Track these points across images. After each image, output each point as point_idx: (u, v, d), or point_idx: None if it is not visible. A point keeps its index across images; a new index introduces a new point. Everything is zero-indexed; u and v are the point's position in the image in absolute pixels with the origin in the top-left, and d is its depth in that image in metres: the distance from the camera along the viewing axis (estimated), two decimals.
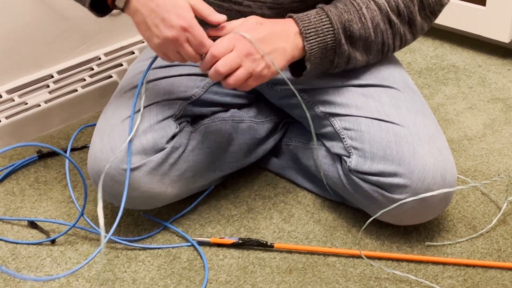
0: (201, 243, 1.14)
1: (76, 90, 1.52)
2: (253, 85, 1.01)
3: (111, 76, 1.57)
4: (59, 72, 1.54)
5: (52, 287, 1.08)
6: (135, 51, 1.63)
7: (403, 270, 1.07)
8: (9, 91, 1.49)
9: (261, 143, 1.26)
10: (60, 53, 1.55)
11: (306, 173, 1.25)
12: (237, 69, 0.98)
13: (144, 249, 1.15)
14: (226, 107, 1.23)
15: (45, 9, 1.48)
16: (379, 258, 1.10)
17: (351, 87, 1.12)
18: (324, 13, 1.02)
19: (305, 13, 1.03)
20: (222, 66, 0.97)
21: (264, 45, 0.98)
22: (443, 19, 1.73)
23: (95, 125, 1.42)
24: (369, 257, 1.10)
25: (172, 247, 1.15)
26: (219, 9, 1.14)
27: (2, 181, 1.33)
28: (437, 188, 1.03)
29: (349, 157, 1.08)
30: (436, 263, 1.08)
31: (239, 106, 1.26)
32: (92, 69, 1.57)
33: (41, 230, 1.19)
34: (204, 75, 1.19)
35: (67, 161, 1.27)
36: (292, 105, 1.22)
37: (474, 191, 1.23)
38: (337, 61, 1.05)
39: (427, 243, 1.12)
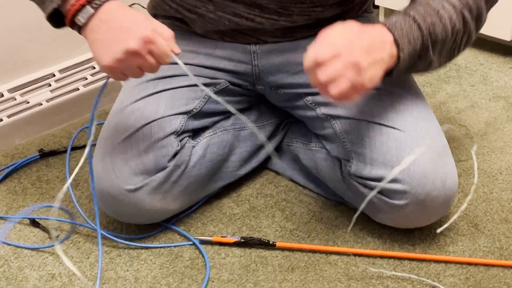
0: (203, 242, 1.15)
1: (78, 89, 1.52)
2: (354, 97, 0.92)
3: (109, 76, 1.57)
4: (61, 71, 1.55)
5: (54, 285, 1.08)
6: None
7: (405, 269, 1.07)
8: (11, 90, 1.49)
9: (262, 147, 1.25)
10: (61, 52, 1.55)
11: (307, 173, 1.25)
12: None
13: (146, 248, 1.15)
14: (228, 114, 1.22)
15: None
16: (381, 257, 1.10)
17: None
18: (412, 20, 0.96)
19: (393, 20, 0.96)
20: (323, 74, 0.88)
21: (367, 55, 0.89)
22: None
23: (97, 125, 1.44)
24: (371, 256, 1.10)
25: (174, 246, 1.15)
26: (230, 23, 1.13)
27: (4, 179, 1.33)
28: (437, 193, 1.02)
29: (349, 161, 1.08)
30: (438, 262, 1.08)
31: (240, 111, 1.23)
32: (94, 67, 1.57)
33: (43, 228, 1.20)
34: (206, 84, 1.17)
35: (67, 160, 1.26)
36: (294, 107, 1.21)
37: (477, 190, 1.23)
38: (418, 66, 1.00)
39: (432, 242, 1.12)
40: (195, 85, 1.15)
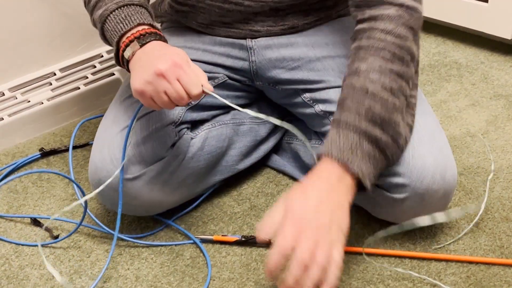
0: (204, 241, 1.15)
1: (79, 88, 1.52)
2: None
3: (113, 74, 1.57)
4: (62, 70, 1.55)
5: (56, 284, 1.08)
6: None
7: (406, 267, 1.07)
8: (12, 89, 1.49)
9: (262, 143, 1.26)
10: (62, 51, 1.55)
11: (308, 171, 1.25)
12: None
13: (147, 246, 1.15)
14: (227, 109, 1.23)
15: (47, 7, 1.48)
16: (382, 255, 1.10)
17: None
18: (344, 129, 0.93)
19: (325, 142, 0.93)
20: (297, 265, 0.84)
21: (330, 225, 0.87)
22: (446, 15, 1.73)
23: (95, 118, 1.44)
24: (371, 254, 1.10)
25: (175, 245, 1.15)
26: (220, 10, 1.14)
27: (5, 178, 1.33)
28: (437, 187, 1.02)
29: None
30: (439, 260, 1.08)
31: (240, 107, 1.24)
32: (95, 66, 1.57)
33: (44, 228, 1.20)
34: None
35: (70, 159, 1.27)
36: (293, 104, 1.22)
37: (477, 188, 1.23)
38: (390, 152, 0.97)
39: (433, 246, 1.12)
40: None
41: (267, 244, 1.12)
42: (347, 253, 1.11)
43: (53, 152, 1.40)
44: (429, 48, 1.75)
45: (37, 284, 1.08)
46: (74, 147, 1.40)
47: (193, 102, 1.14)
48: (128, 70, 1.02)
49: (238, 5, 1.13)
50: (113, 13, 1.03)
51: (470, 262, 1.08)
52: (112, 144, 1.09)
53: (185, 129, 1.14)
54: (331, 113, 1.13)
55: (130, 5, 1.04)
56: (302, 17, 1.18)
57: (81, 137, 1.44)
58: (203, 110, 1.19)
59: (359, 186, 0.94)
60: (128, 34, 1.00)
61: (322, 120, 1.15)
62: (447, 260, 1.08)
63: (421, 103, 1.11)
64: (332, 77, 1.14)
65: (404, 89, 0.98)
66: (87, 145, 1.41)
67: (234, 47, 1.19)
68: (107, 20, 1.04)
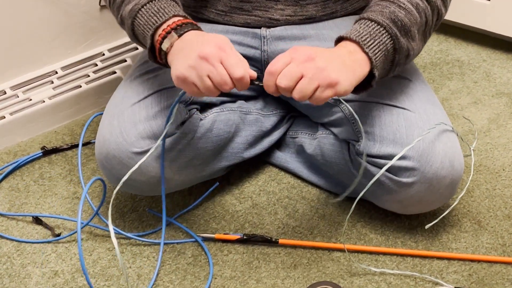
0: (206, 239, 1.15)
1: (80, 86, 1.52)
2: (325, 96, 0.93)
3: (115, 72, 1.57)
4: (63, 68, 1.54)
5: (57, 283, 1.08)
6: (139, 47, 1.63)
7: (407, 266, 1.07)
8: (14, 87, 1.49)
9: (267, 135, 1.26)
10: (64, 49, 1.55)
11: (310, 165, 1.25)
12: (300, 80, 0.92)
13: (149, 244, 1.15)
14: (234, 97, 1.24)
15: (49, 5, 1.48)
16: (384, 254, 1.10)
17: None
18: (366, 20, 0.98)
19: (349, 30, 0.98)
20: (281, 79, 0.92)
21: (324, 57, 0.93)
22: (448, 13, 1.73)
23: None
24: (373, 253, 1.10)
25: (177, 243, 1.15)
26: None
27: (6, 177, 1.33)
28: (445, 173, 1.03)
29: (358, 141, 1.08)
30: (441, 258, 1.08)
31: (246, 98, 1.26)
32: (96, 65, 1.57)
33: (45, 226, 1.20)
34: None
35: (79, 157, 1.26)
36: None
37: (479, 186, 1.23)
38: (398, 58, 1.01)
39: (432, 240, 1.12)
40: None
41: (270, 242, 1.12)
42: (348, 251, 1.11)
43: (55, 150, 1.40)
44: (431, 46, 1.74)
45: (38, 283, 1.08)
46: (74, 146, 1.40)
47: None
48: (166, 65, 1.01)
49: None
50: (145, 6, 1.02)
51: (472, 260, 1.07)
52: (122, 117, 1.09)
53: (195, 110, 1.15)
54: (341, 100, 1.13)
55: None
56: (320, 8, 1.19)
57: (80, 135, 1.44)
58: None
59: (365, 83, 0.98)
60: (164, 26, 0.99)
61: (331, 109, 1.16)
62: (449, 258, 1.08)
63: (431, 95, 1.13)
64: None
65: (428, 14, 1.03)
66: (88, 144, 1.41)
67: (247, 35, 1.20)
68: (138, 15, 1.03)
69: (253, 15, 1.20)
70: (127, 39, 1.64)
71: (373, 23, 0.98)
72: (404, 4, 1.00)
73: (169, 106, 1.10)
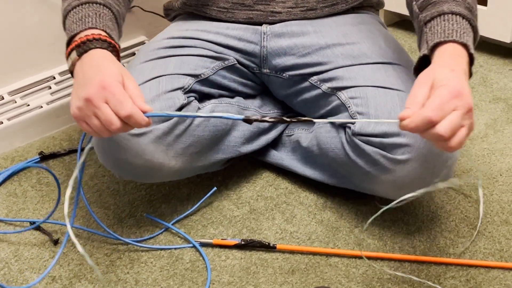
0: (204, 244, 1.15)
1: None
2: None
3: None
4: (61, 74, 1.55)
5: None
6: (136, 52, 1.63)
7: (405, 271, 1.07)
8: (11, 93, 1.49)
9: (264, 133, 1.27)
10: (61, 55, 1.53)
11: (306, 160, 1.25)
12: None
13: (147, 250, 1.15)
14: (232, 93, 1.25)
15: (46, 10, 1.48)
16: (382, 259, 1.10)
17: (359, 65, 1.15)
18: (447, 16, 0.95)
19: (435, 31, 0.94)
20: (445, 130, 0.82)
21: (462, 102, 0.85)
22: None
23: None
24: (371, 258, 1.10)
25: (175, 248, 1.15)
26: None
27: (4, 182, 1.33)
28: (440, 150, 1.01)
29: (353, 123, 1.09)
30: (439, 264, 1.08)
31: (245, 96, 1.28)
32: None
33: (43, 231, 1.20)
34: (215, 57, 1.21)
35: (78, 162, 1.26)
36: (298, 91, 1.24)
37: (476, 191, 1.23)
38: (476, 34, 1.00)
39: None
40: (206, 56, 1.20)
41: (267, 247, 1.12)
42: (347, 256, 1.11)
43: (53, 155, 1.40)
44: None
45: (35, 287, 1.08)
46: (72, 151, 1.40)
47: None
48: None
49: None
50: (74, 10, 1.00)
51: (470, 266, 1.08)
52: None
53: (193, 98, 1.15)
54: (338, 88, 1.14)
55: (92, 3, 1.01)
56: (321, 1, 1.21)
57: (76, 141, 1.44)
58: (211, 86, 1.21)
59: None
60: (76, 38, 0.96)
61: (328, 99, 1.17)
62: (446, 264, 1.08)
63: None
64: (341, 59, 1.17)
65: None
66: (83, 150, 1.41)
67: (247, 31, 1.22)
68: (68, 17, 1.01)
69: (255, 9, 1.21)
70: (124, 44, 1.64)
71: (461, 19, 0.95)
72: None
73: (167, 91, 1.11)
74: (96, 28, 0.97)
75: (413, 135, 1.02)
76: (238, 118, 0.82)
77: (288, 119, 0.85)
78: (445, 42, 0.93)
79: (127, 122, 0.87)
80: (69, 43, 0.98)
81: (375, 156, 1.06)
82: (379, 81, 1.11)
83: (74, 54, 0.95)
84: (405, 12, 1.88)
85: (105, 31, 0.97)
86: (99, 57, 0.93)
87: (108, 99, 0.87)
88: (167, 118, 1.09)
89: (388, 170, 1.06)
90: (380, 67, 1.14)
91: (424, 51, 0.94)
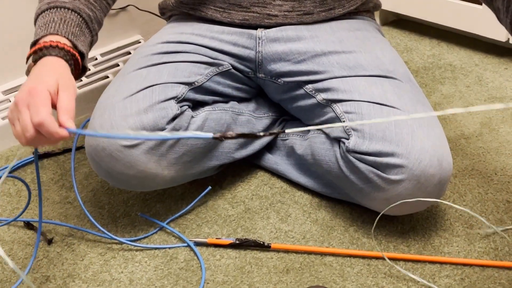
0: (198, 244, 1.14)
1: None
2: None
3: (107, 77, 1.57)
4: None
5: (50, 287, 1.08)
6: (131, 51, 1.63)
7: (400, 270, 1.07)
8: (6, 92, 1.49)
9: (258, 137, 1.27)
10: None
11: (300, 167, 1.25)
12: None
13: (141, 249, 1.14)
14: (227, 98, 1.25)
15: None
16: (376, 258, 1.10)
17: (355, 77, 1.14)
18: None
19: None
20: None
21: None
22: (440, 18, 1.74)
23: None
24: (366, 257, 1.10)
25: (169, 248, 1.14)
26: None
27: None
28: (433, 171, 1.03)
29: (348, 138, 1.09)
30: (433, 262, 1.08)
31: (239, 100, 1.27)
32: (89, 69, 1.57)
33: (37, 231, 1.19)
34: (209, 63, 1.20)
35: (72, 163, 1.26)
36: (293, 98, 1.23)
37: (472, 190, 1.23)
38: None
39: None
40: (200, 62, 1.19)
41: (262, 246, 1.12)
42: (342, 255, 1.11)
43: (47, 155, 1.40)
44: (424, 50, 1.75)
45: None
46: (66, 150, 1.40)
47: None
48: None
49: None
50: (42, 14, 1.01)
51: (465, 264, 1.07)
52: (113, 110, 1.09)
53: (187, 107, 1.15)
54: (333, 100, 1.14)
55: (60, 8, 1.01)
56: (319, 4, 1.21)
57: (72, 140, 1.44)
58: (205, 93, 1.20)
59: None
60: (37, 44, 0.96)
61: (323, 109, 1.17)
62: (441, 263, 1.08)
63: (422, 97, 1.15)
64: (336, 69, 1.16)
65: None
66: (81, 148, 1.41)
67: (242, 35, 1.22)
68: (37, 21, 1.01)
69: (251, 11, 1.20)
70: (119, 43, 1.64)
71: None
72: None
73: (160, 101, 1.10)
74: (57, 35, 0.97)
75: (407, 156, 1.02)
76: (206, 136, 0.81)
77: (261, 134, 0.84)
78: None
79: (40, 131, 0.84)
80: (31, 47, 0.98)
81: (368, 174, 1.06)
82: (374, 97, 1.10)
83: (30, 60, 0.95)
84: (401, 11, 1.89)
85: (67, 38, 0.97)
86: (45, 65, 0.93)
87: (30, 105, 0.85)
88: (161, 128, 1.09)
89: (381, 189, 1.06)
90: (376, 80, 1.13)
91: None
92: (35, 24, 1.02)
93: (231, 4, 1.21)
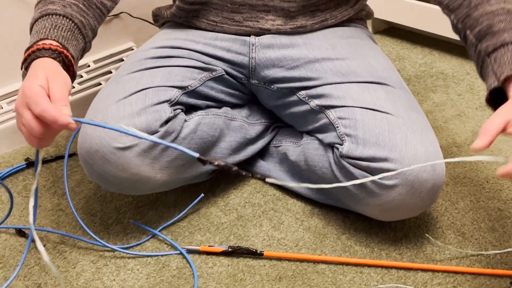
0: (191, 251, 1.14)
1: None
2: None
3: (100, 84, 1.57)
4: None
5: None
6: (124, 59, 1.63)
7: (392, 277, 1.07)
8: None
9: (251, 143, 1.27)
10: None
11: (293, 173, 1.25)
12: None
13: (133, 257, 1.14)
14: (220, 103, 1.25)
15: None
16: (369, 266, 1.10)
17: (348, 83, 1.14)
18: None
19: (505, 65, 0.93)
20: None
21: None
22: (432, 26, 1.74)
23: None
24: (358, 265, 1.10)
25: (162, 255, 1.14)
26: (232, 5, 1.20)
27: None
28: (427, 176, 1.03)
29: (341, 144, 1.09)
30: (426, 270, 1.08)
31: (232, 105, 1.27)
32: (81, 76, 1.57)
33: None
34: (203, 68, 1.21)
35: (65, 169, 1.26)
36: (286, 104, 1.23)
37: (464, 198, 1.23)
38: None
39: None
40: (193, 67, 1.19)
41: (255, 254, 1.12)
42: (335, 263, 1.11)
43: None
44: (416, 59, 1.76)
45: None
46: (59, 158, 1.39)
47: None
48: None
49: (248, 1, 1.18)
50: (36, 23, 1.03)
51: (457, 272, 1.08)
52: (106, 113, 1.09)
53: (180, 111, 1.15)
54: (326, 106, 1.14)
55: (52, 15, 1.02)
56: (310, 17, 1.22)
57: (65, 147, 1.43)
58: (198, 98, 1.20)
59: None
60: (29, 50, 0.97)
61: (316, 116, 1.17)
62: (433, 270, 1.08)
63: (415, 103, 1.15)
64: (330, 75, 1.17)
65: None
66: (73, 155, 1.41)
67: (236, 42, 1.22)
68: (31, 30, 1.04)
69: (244, 25, 1.21)
70: (112, 50, 1.64)
71: None
72: None
73: (153, 104, 1.10)
74: (48, 39, 0.98)
75: (401, 161, 1.03)
76: (192, 155, 0.81)
77: (235, 168, 0.83)
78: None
79: (45, 121, 0.85)
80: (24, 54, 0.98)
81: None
82: (367, 102, 1.10)
83: (23, 68, 0.97)
84: (393, 19, 1.90)
85: (58, 41, 0.98)
86: (35, 65, 0.94)
87: (28, 103, 0.86)
88: (154, 131, 1.09)
89: (375, 194, 1.06)
90: (369, 86, 1.14)
91: (495, 83, 0.93)
92: (30, 33, 1.03)
93: (224, 18, 1.21)
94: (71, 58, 0.99)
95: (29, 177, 1.36)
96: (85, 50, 1.09)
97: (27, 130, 0.86)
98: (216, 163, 0.82)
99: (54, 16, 1.02)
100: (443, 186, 1.26)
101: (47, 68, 0.92)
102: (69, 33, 1.02)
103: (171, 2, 1.32)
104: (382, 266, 1.10)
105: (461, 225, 1.17)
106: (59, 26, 1.01)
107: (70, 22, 1.03)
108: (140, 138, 0.90)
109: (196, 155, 0.81)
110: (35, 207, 0.98)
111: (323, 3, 1.21)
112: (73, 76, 1.02)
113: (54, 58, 0.95)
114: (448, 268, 1.08)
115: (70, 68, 0.99)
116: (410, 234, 1.16)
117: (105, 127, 0.91)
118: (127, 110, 1.09)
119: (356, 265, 1.10)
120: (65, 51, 0.97)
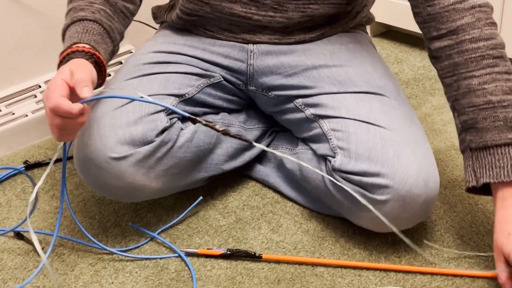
0: (189, 254, 1.14)
1: None
2: None
3: None
4: (46, 82, 1.54)
5: None
6: (122, 61, 1.63)
7: (391, 281, 1.07)
8: None
9: (247, 148, 1.27)
10: (47, 63, 1.54)
11: (290, 180, 1.25)
12: None
13: (132, 260, 1.14)
14: (217, 109, 1.25)
15: (32, 19, 1.48)
16: (367, 269, 1.10)
17: (344, 93, 1.14)
18: (494, 150, 0.99)
19: (495, 168, 0.98)
20: None
21: None
22: None
23: None
24: (357, 268, 1.10)
25: (160, 258, 1.14)
26: (229, 20, 1.19)
27: None
28: (419, 191, 1.03)
29: (334, 157, 1.09)
30: (424, 273, 1.08)
31: (230, 111, 1.27)
32: (109, 74, 1.57)
33: (27, 241, 1.19)
34: (200, 74, 1.20)
35: (63, 172, 1.26)
36: (283, 111, 1.23)
37: (462, 201, 1.24)
38: None
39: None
40: (191, 73, 1.20)
41: (253, 257, 1.12)
42: (333, 266, 1.11)
43: (38, 165, 1.40)
44: (414, 62, 1.76)
45: None
46: (57, 160, 1.39)
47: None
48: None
49: (247, 19, 1.17)
50: (68, 28, 1.07)
51: (455, 275, 1.08)
52: (102, 121, 1.09)
53: (176, 119, 1.15)
54: (321, 116, 1.14)
55: (83, 20, 1.06)
56: (307, 32, 1.21)
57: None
58: (195, 105, 1.20)
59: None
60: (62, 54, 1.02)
61: (310, 124, 1.17)
62: (432, 274, 1.08)
63: (410, 113, 1.15)
64: (326, 84, 1.16)
65: None
66: (71, 158, 1.40)
67: (234, 48, 1.22)
68: (64, 36, 1.08)
69: (240, 37, 1.21)
70: None
71: (508, 149, 0.98)
72: (503, 100, 0.99)
73: (149, 113, 1.10)
74: (80, 42, 1.02)
75: (393, 177, 1.03)
76: (183, 114, 0.89)
77: (223, 128, 0.89)
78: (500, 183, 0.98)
79: (59, 115, 0.92)
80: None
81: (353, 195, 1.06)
82: (361, 114, 1.10)
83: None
84: (392, 22, 1.90)
85: (89, 44, 1.03)
86: (67, 65, 0.98)
87: (47, 98, 0.93)
88: (149, 141, 1.09)
89: (367, 209, 1.06)
90: (364, 97, 1.13)
91: (473, 182, 1.00)
92: (63, 40, 1.07)
93: (221, 29, 1.21)
94: (103, 59, 1.03)
95: (28, 179, 1.36)
96: (114, 52, 1.13)
97: (48, 122, 0.94)
98: (204, 122, 0.88)
99: (85, 21, 1.06)
100: (442, 190, 1.26)
101: (73, 63, 0.97)
102: (99, 36, 1.06)
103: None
104: (380, 269, 1.10)
105: (459, 228, 1.18)
106: (90, 31, 1.05)
107: (100, 26, 1.07)
108: (161, 106, 0.95)
109: (186, 114, 0.87)
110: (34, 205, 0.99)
111: (319, 19, 1.20)
112: (104, 76, 1.06)
113: (87, 59, 1.00)
114: (447, 271, 1.08)
115: (102, 69, 1.03)
116: (408, 237, 1.15)
117: (122, 97, 0.99)
118: (124, 118, 1.09)
119: (354, 268, 1.10)
120: (96, 53, 1.02)
